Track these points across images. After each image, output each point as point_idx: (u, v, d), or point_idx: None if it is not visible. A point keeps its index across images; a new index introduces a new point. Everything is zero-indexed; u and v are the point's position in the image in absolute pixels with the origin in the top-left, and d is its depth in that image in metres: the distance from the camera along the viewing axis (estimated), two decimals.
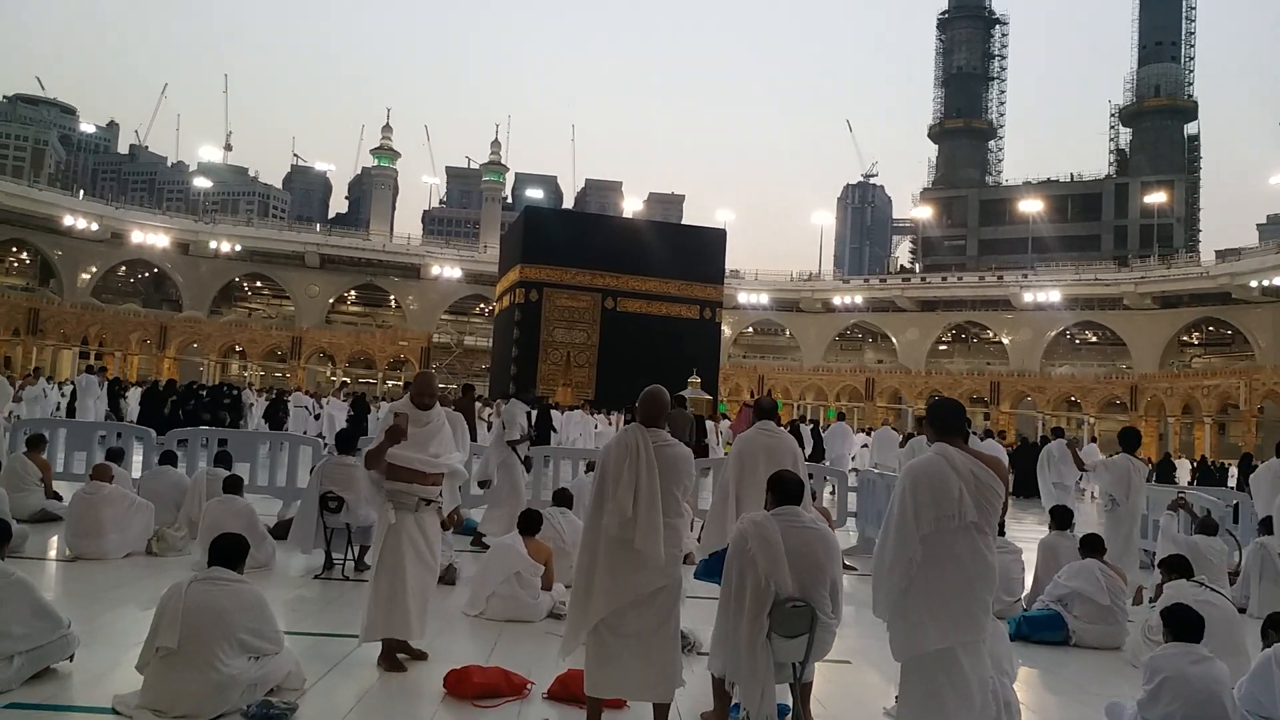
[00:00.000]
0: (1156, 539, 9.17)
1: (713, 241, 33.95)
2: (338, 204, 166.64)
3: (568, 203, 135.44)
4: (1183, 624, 4.08)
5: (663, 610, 4.14)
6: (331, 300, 64.87)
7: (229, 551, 4.48)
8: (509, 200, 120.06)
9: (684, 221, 76.10)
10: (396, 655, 5.06)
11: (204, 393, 21.81)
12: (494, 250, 58.12)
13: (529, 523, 6.61)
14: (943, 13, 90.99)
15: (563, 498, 7.76)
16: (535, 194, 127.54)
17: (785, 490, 4.32)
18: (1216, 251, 61.46)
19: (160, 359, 53.24)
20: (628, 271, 30.68)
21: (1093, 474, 10.55)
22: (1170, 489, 11.00)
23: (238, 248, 60.77)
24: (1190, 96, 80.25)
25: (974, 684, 3.73)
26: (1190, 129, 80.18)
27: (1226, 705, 3.84)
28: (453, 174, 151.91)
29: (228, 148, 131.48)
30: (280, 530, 8.43)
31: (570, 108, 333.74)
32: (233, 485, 7.72)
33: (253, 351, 57.92)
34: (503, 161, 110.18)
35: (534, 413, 11.97)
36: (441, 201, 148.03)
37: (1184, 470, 28.66)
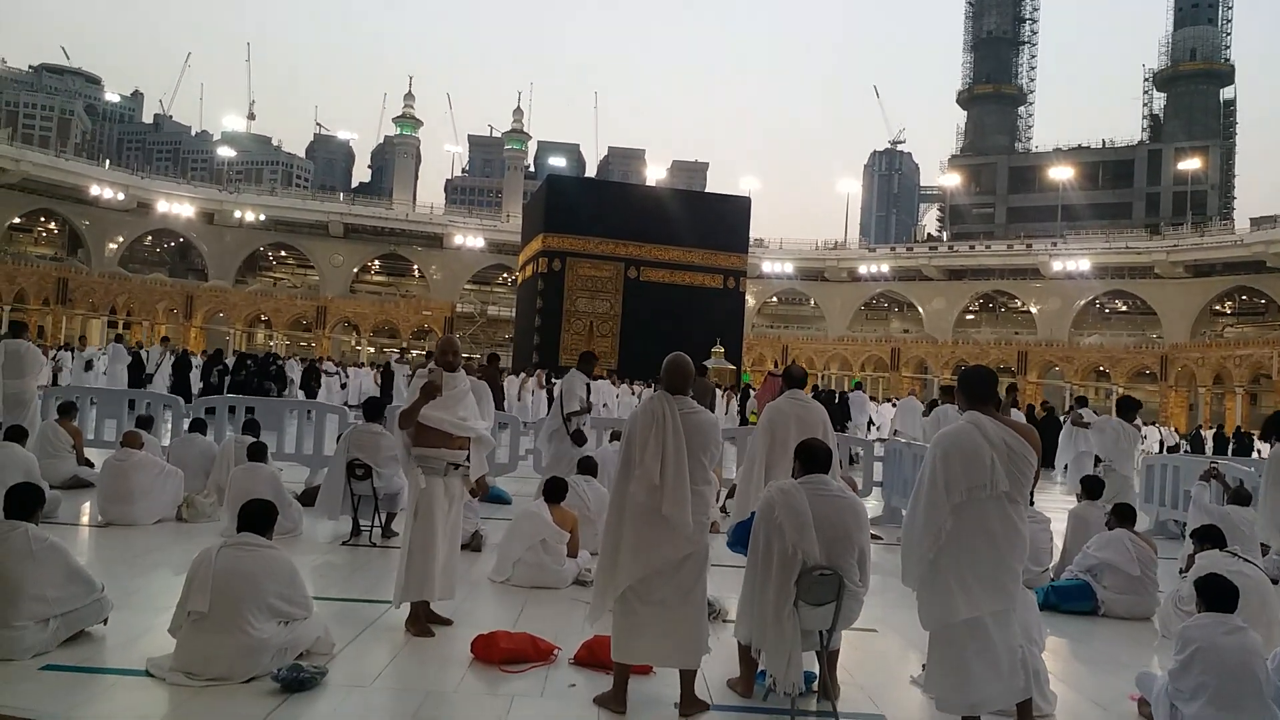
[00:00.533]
0: (1188, 509, 9.06)
1: (737, 210, 33.69)
2: (361, 173, 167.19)
3: (590, 171, 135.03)
4: (1216, 594, 4.02)
5: (689, 577, 4.14)
6: (356, 270, 65.16)
7: (258, 517, 4.51)
8: (531, 169, 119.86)
9: (708, 190, 75.53)
10: (424, 619, 5.11)
11: (251, 363, 22.03)
12: (517, 219, 58.08)
13: (554, 490, 6.63)
14: None
15: (587, 466, 7.76)
16: (558, 162, 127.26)
17: (813, 458, 4.29)
18: (1251, 219, 60.33)
19: (187, 328, 53.80)
20: (651, 240, 30.53)
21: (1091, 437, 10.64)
22: (1203, 459, 10.85)
23: (262, 217, 61.07)
24: (1227, 60, 78.45)
25: (1002, 653, 3.71)
26: (1227, 94, 78.50)
27: (1260, 676, 3.78)
28: (475, 142, 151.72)
29: (251, 117, 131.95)
30: (307, 497, 8.50)
31: (593, 75, 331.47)
32: (257, 453, 7.77)
33: (278, 321, 58.40)
34: (525, 130, 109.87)
35: (591, 384, 11.83)
36: (464, 170, 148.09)
37: (1207, 440, 28.42)
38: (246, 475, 7.37)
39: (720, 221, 32.20)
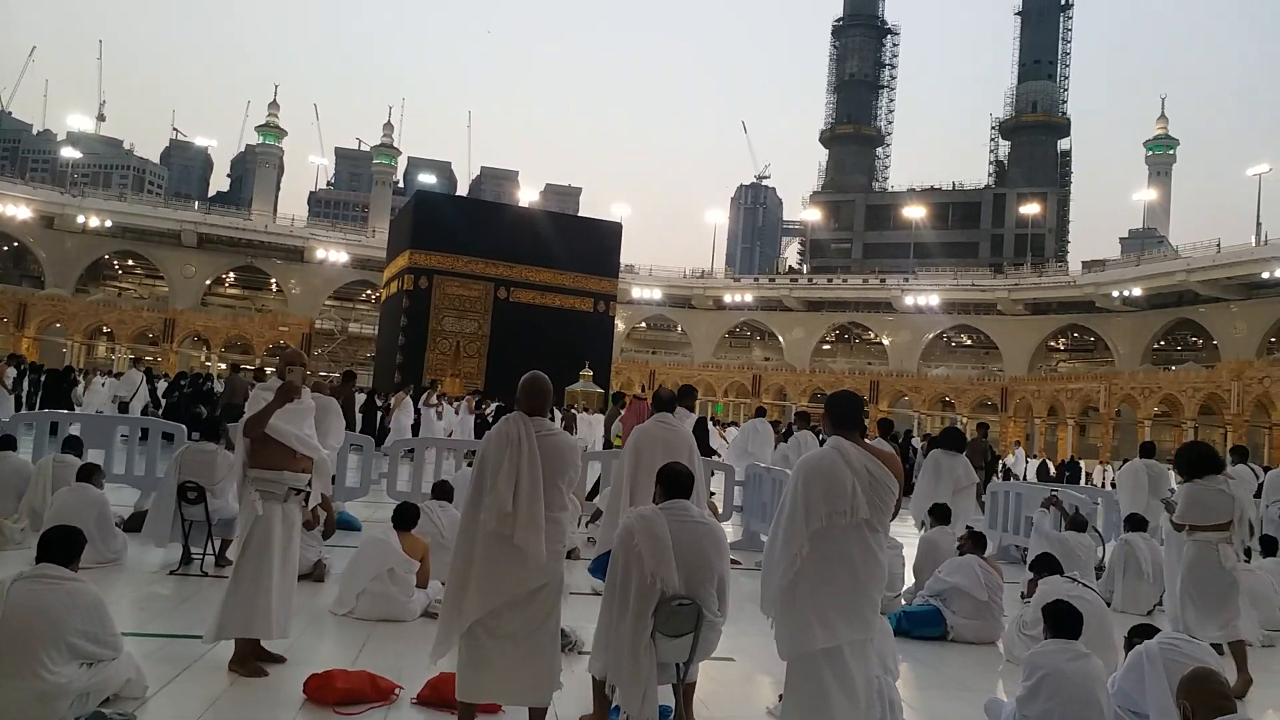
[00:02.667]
0: (1030, 535, 9.45)
1: (608, 235, 33.79)
2: (219, 182, 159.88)
3: (462, 190, 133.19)
4: (1062, 620, 4.11)
5: (543, 610, 3.93)
6: (209, 281, 62.01)
7: (58, 545, 4.04)
8: (400, 185, 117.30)
9: (580, 214, 75.60)
10: (252, 658, 4.70)
11: (185, 384, 20.47)
12: (383, 235, 56.60)
13: (404, 516, 6.30)
14: (837, 20, 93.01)
15: (442, 490, 7.44)
16: (428, 179, 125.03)
17: (675, 483, 4.16)
18: (1083, 262, 64.97)
19: (18, 338, 49.83)
20: (522, 261, 30.21)
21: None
22: (1043, 487, 11.39)
23: (108, 223, 57.34)
24: (1064, 114, 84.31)
25: (859, 683, 3.65)
26: (1063, 144, 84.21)
27: (1101, 701, 3.87)
28: (342, 155, 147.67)
29: (100, 118, 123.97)
30: (134, 522, 7.85)
31: (467, 94, 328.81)
32: (87, 474, 7.13)
33: (121, 333, 54.85)
34: (395, 145, 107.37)
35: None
36: (329, 183, 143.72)
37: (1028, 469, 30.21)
38: (72, 498, 6.75)
39: (592, 245, 32.20)
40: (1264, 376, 42.74)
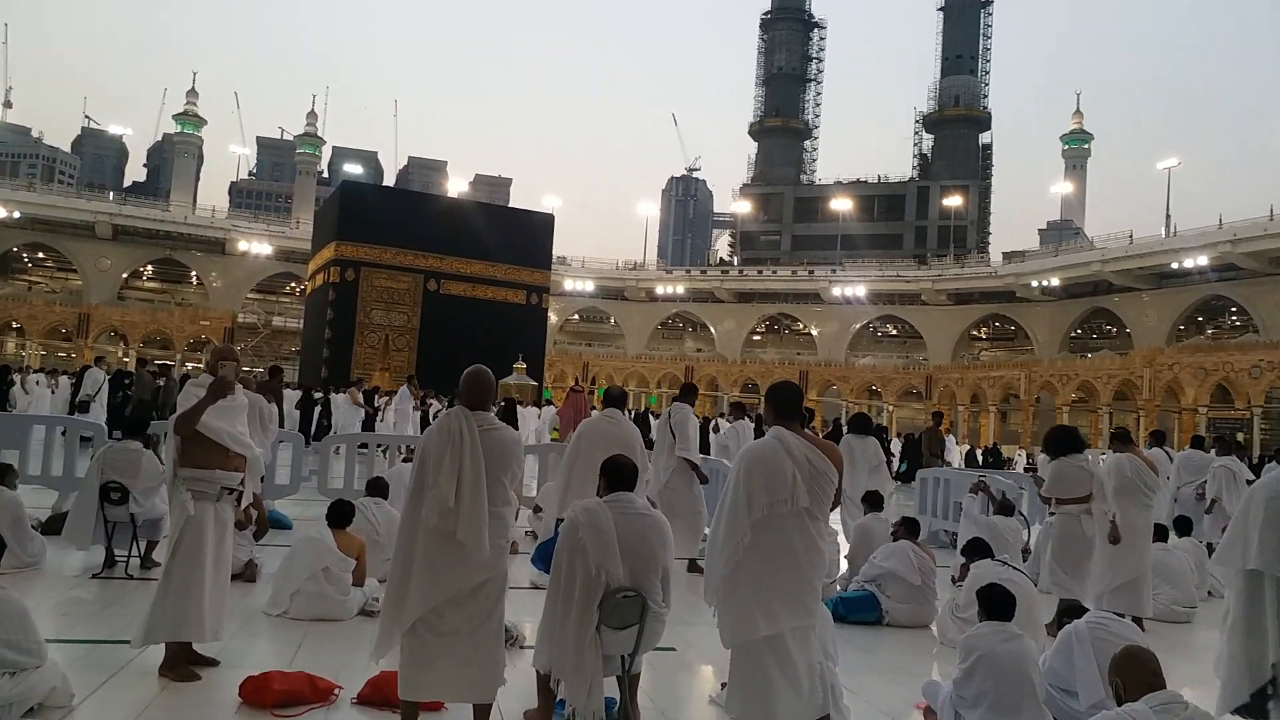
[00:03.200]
0: (959, 520, 9.70)
1: (540, 226, 33.60)
2: (135, 171, 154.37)
3: (389, 180, 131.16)
4: (995, 603, 4.22)
5: (486, 606, 3.89)
6: (125, 275, 59.97)
7: None
8: (325, 175, 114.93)
9: (511, 205, 75.08)
10: (183, 662, 4.56)
11: (128, 381, 19.50)
12: (308, 226, 55.39)
13: (339, 514, 6.17)
14: (765, 13, 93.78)
15: (377, 487, 7.32)
16: (354, 169, 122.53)
17: (619, 476, 4.16)
18: (1004, 253, 66.81)
19: None
20: (452, 253, 29.84)
21: None
22: (971, 473, 11.69)
23: (16, 214, 54.99)
24: (985, 108, 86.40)
25: (802, 670, 3.70)
26: (984, 138, 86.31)
27: (1034, 680, 3.99)
28: (264, 145, 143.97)
29: (7, 104, 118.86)
30: (54, 525, 7.55)
31: (393, 83, 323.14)
32: (1, 475, 6.83)
33: (32, 329, 52.74)
34: (319, 134, 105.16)
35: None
36: (251, 173, 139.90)
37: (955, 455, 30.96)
38: None
39: (523, 237, 31.97)
40: (1174, 363, 44.54)
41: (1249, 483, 11.65)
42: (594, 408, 17.78)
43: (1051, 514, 7.31)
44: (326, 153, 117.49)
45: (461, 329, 27.81)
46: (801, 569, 3.71)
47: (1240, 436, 33.63)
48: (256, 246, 59.10)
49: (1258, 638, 3.64)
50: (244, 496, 4.83)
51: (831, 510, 3.94)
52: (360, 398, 18.29)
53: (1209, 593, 8.52)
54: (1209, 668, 4.50)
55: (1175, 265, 49.50)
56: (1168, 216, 54.60)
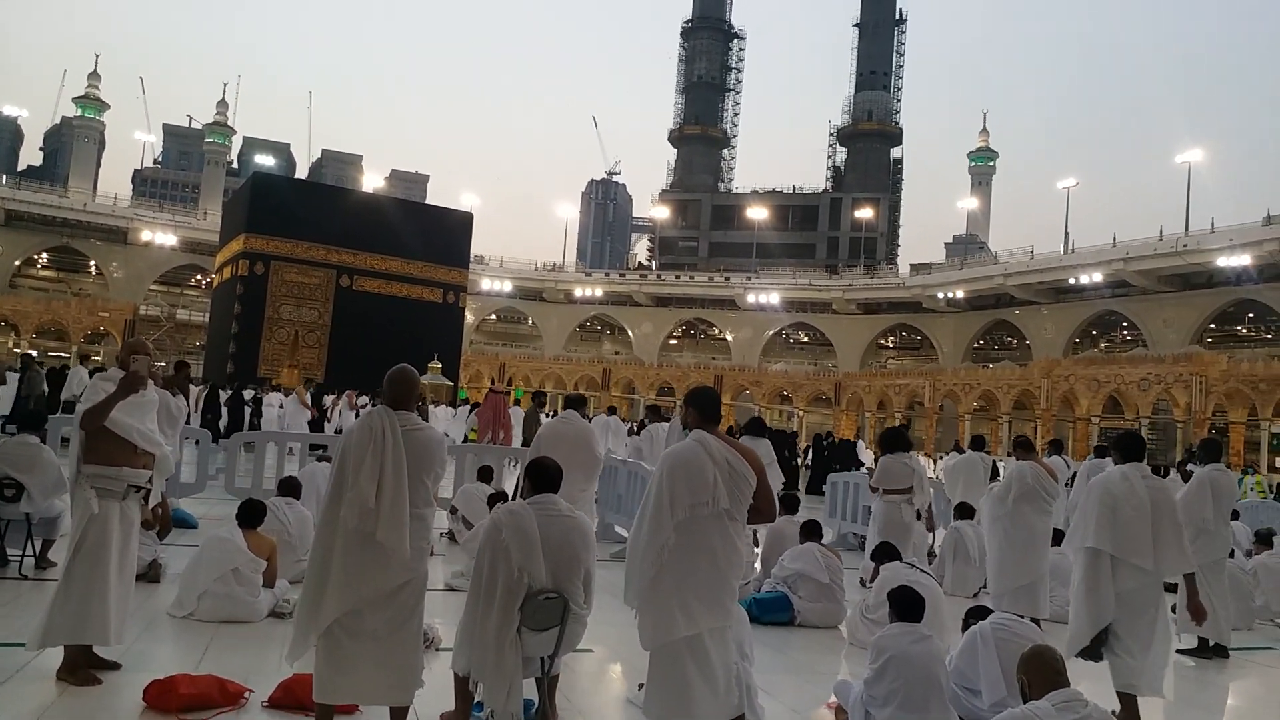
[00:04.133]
0: (868, 523, 9.95)
1: (458, 224, 33.23)
2: (30, 155, 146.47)
3: (301, 173, 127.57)
4: (906, 605, 4.37)
5: (405, 608, 3.86)
6: (18, 262, 57.10)
7: None
8: (235, 165, 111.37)
9: (428, 202, 73.94)
10: (83, 665, 4.40)
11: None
12: (215, 217, 53.66)
13: (250, 513, 6.03)
14: (686, 22, 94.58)
15: (289, 486, 7.16)
16: (265, 161, 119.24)
17: (544, 477, 4.17)
18: (911, 265, 68.76)
19: None
20: (366, 249, 29.26)
21: None
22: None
23: None
24: (896, 124, 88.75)
25: (719, 670, 3.77)
26: (895, 153, 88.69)
27: (941, 680, 4.15)
28: (171, 132, 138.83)
29: None
30: None
31: (308, 74, 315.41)
32: None
33: None
34: (229, 124, 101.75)
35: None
36: (156, 161, 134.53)
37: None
38: None
39: (441, 235, 31.55)
40: (1070, 374, 46.48)
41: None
42: (514, 408, 17.70)
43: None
44: (237, 143, 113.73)
45: (375, 327, 27.32)
46: (721, 569, 3.77)
47: None
48: (161, 237, 56.96)
49: (1095, 599, 4.88)
50: (151, 495, 4.69)
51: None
52: (308, 398, 17.64)
53: None
54: (1103, 667, 4.77)
55: (1072, 281, 51.73)
56: (1066, 234, 57.00)
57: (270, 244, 27.93)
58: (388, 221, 30.35)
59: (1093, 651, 4.90)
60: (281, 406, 18.37)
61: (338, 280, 28.76)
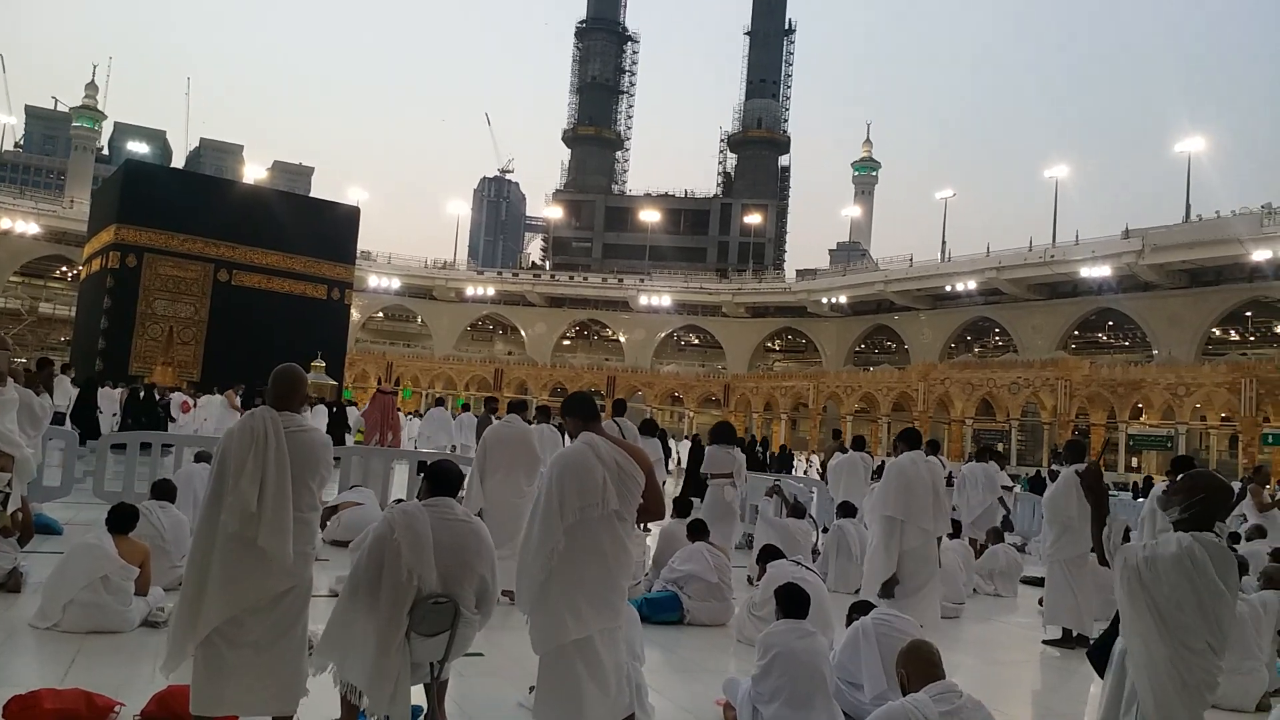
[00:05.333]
0: (756, 522, 10.17)
1: (345, 219, 32.26)
2: None
3: (178, 162, 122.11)
4: (792, 602, 4.49)
5: (289, 615, 3.75)
6: None
7: None
8: (105, 152, 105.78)
9: (313, 195, 71.78)
10: None
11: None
12: (83, 206, 50.82)
13: (121, 518, 5.73)
14: (580, 22, 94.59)
15: (164, 489, 6.85)
16: (139, 148, 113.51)
17: (443, 480, 4.11)
18: (797, 271, 70.57)
19: None
20: (247, 243, 28.11)
21: None
22: (767, 477, 12.27)
23: None
24: (785, 132, 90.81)
25: (609, 671, 3.78)
26: (783, 160, 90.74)
27: (826, 675, 4.27)
28: (34, 115, 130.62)
29: None
30: None
31: (186, 59, 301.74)
32: None
33: None
34: (99, 108, 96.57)
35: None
36: (18, 145, 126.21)
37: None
38: None
39: (326, 229, 30.58)
40: (945, 378, 48.48)
41: (1005, 488, 12.95)
42: (399, 409, 17.33)
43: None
44: (108, 128, 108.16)
45: (255, 323, 26.30)
46: (611, 570, 3.79)
47: (1000, 446, 36.97)
48: (21, 225, 53.58)
49: (888, 555, 6.31)
50: (10, 500, 4.42)
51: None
52: (238, 401, 16.26)
53: (974, 590, 9.38)
54: (977, 659, 5.01)
55: (949, 288, 53.99)
56: (944, 243, 59.47)
57: (144, 235, 26.57)
58: (270, 214, 29.25)
59: (887, 591, 6.14)
60: (192, 409, 17.56)
61: (216, 275, 27.58)
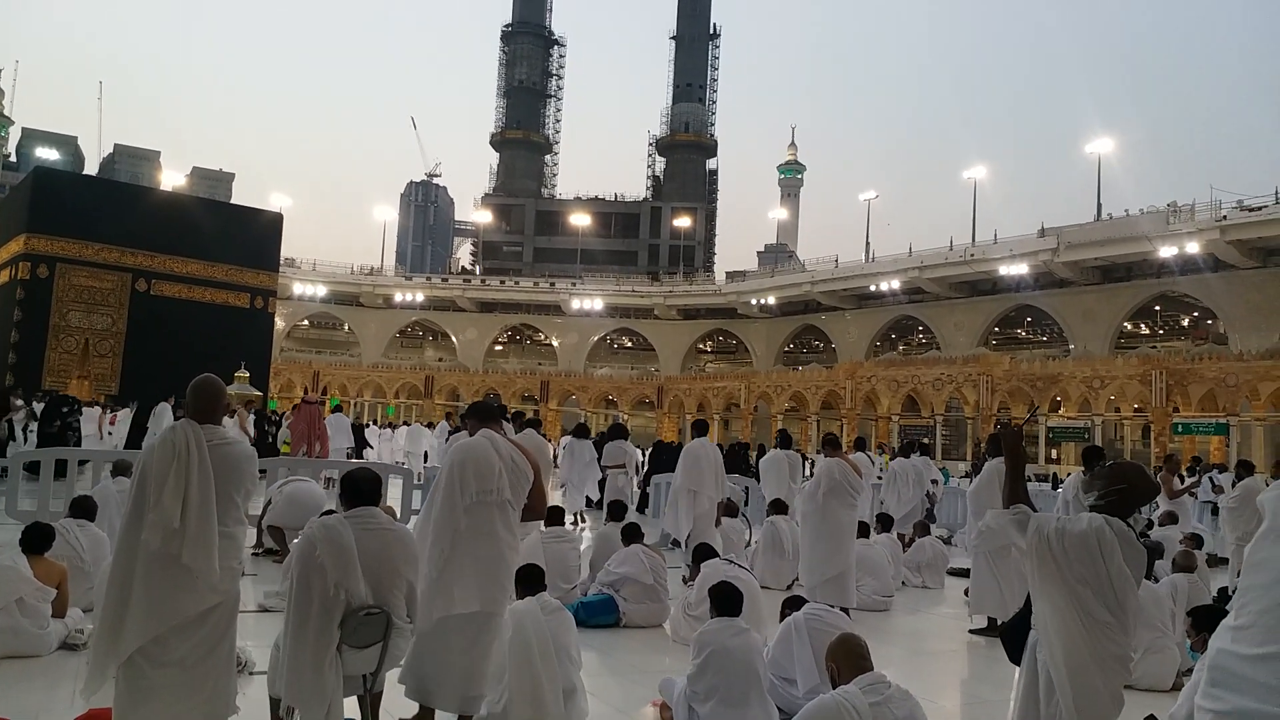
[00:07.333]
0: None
1: (267, 225, 31.54)
2: None
3: (91, 169, 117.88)
4: (725, 600, 4.54)
5: (215, 632, 3.66)
6: None
7: None
8: (12, 159, 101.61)
9: (234, 201, 69.95)
10: None
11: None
12: None
13: (36, 538, 5.55)
14: (506, 26, 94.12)
15: (82, 506, 6.63)
16: (48, 154, 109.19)
17: (360, 490, 4.07)
18: (727, 273, 71.30)
19: None
20: (165, 251, 27.28)
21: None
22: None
23: None
24: (712, 135, 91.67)
25: (474, 658, 4.15)
26: (711, 164, 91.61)
27: (760, 672, 4.34)
28: None
29: None
30: None
31: (97, 63, 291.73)
32: None
33: None
34: (6, 113, 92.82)
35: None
36: None
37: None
38: None
39: (248, 236, 29.85)
40: (871, 375, 49.44)
41: (933, 481, 13.28)
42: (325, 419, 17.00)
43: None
44: (15, 134, 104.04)
45: (176, 333, 25.55)
46: (502, 552, 4.23)
47: (925, 440, 37.86)
48: None
49: (687, 517, 9.08)
50: None
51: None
52: (250, 423, 15.33)
53: (903, 583, 9.59)
54: (906, 650, 5.13)
55: (873, 288, 55.08)
56: (868, 244, 60.60)
57: (56, 245, 25.62)
58: (189, 221, 28.45)
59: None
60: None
61: (134, 284, 26.73)
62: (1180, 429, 39.08)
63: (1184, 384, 39.07)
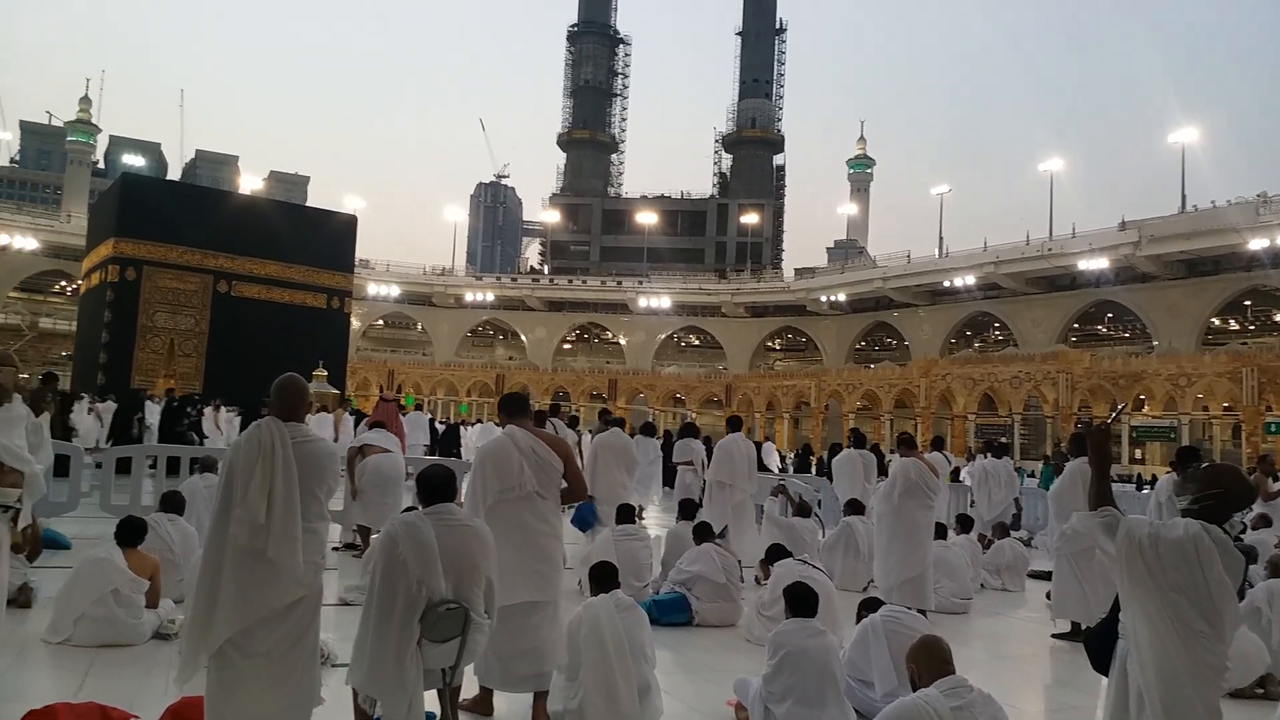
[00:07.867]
0: (762, 521, 10.18)
1: (342, 227, 32.23)
2: None
3: (174, 174, 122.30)
4: (801, 601, 4.50)
5: (300, 625, 3.75)
6: None
7: None
8: (101, 166, 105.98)
9: (309, 204, 71.83)
10: None
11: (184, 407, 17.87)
12: (81, 220, 50.84)
13: (130, 531, 5.76)
14: (572, 26, 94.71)
15: (172, 501, 6.86)
16: (134, 161, 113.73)
17: (435, 487, 4.12)
18: (795, 269, 70.59)
19: None
20: (245, 253, 28.06)
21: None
22: (773, 476, 12.28)
23: None
24: (779, 131, 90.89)
25: (520, 641, 4.38)
26: (778, 160, 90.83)
27: (836, 673, 4.28)
28: (29, 130, 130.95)
29: None
30: None
31: (179, 71, 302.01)
32: None
33: None
34: (94, 122, 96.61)
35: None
36: (14, 161, 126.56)
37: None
38: None
39: (323, 238, 30.54)
40: (946, 373, 48.46)
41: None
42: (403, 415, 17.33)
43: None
44: (103, 142, 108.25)
45: (255, 333, 26.25)
46: (537, 540, 4.43)
47: (1003, 440, 37.00)
48: (20, 240, 53.66)
49: (722, 506, 9.26)
50: (22, 515, 4.44)
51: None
52: (347, 423, 16.84)
53: (981, 585, 9.38)
54: (986, 654, 5.01)
55: (947, 284, 53.97)
56: (941, 239, 59.60)
57: (142, 248, 26.55)
58: (267, 224, 29.22)
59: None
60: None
61: (215, 286, 27.56)
62: (1274, 428, 37.46)
63: (1277, 382, 37.48)
